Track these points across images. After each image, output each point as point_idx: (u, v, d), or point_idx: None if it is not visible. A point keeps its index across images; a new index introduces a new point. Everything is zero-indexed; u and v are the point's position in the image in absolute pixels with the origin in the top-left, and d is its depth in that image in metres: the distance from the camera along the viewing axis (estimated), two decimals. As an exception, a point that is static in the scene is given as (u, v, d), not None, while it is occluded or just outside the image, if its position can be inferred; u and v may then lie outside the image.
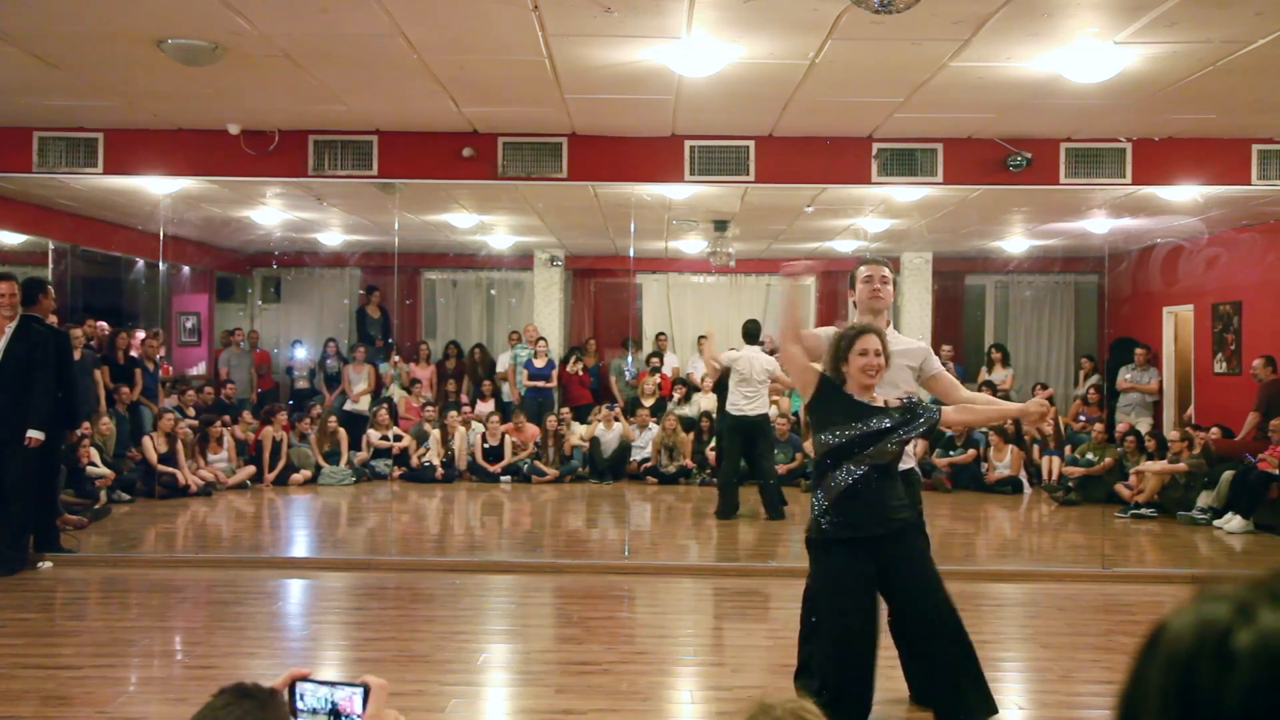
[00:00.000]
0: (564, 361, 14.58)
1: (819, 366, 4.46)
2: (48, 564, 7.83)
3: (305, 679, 1.49)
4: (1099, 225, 11.97)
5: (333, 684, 1.48)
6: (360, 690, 1.44)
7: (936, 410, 4.48)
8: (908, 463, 4.90)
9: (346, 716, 1.44)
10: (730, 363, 10.11)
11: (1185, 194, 9.56)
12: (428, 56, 6.46)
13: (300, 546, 9.55)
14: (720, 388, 10.78)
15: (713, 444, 12.71)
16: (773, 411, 10.96)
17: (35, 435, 7.58)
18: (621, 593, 7.38)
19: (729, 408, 10.12)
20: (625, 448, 12.87)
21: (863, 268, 4.99)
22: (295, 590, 7.53)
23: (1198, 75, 6.63)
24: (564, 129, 8.38)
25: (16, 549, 7.66)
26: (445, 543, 9.70)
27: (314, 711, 1.47)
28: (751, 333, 10.52)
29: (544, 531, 10.19)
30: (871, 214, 11.65)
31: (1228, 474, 9.95)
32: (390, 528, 10.05)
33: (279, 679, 1.50)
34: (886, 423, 4.24)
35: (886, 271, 4.97)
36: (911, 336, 15.55)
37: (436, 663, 5.60)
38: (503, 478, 12.70)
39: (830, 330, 4.67)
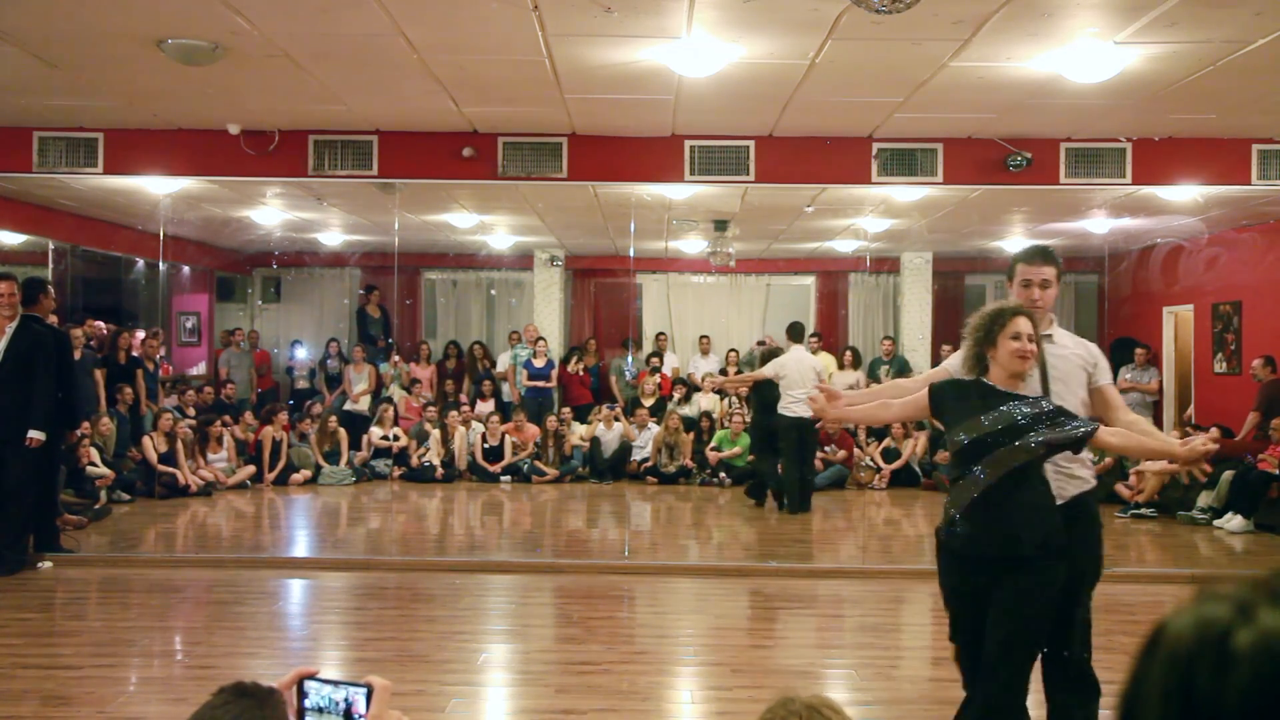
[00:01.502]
0: (564, 361, 14.59)
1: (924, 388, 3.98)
2: (48, 564, 7.83)
3: (312, 677, 1.50)
4: (1099, 225, 11.97)
5: (338, 683, 1.48)
6: (364, 690, 1.45)
7: (1095, 424, 3.74)
8: (1076, 488, 4.09)
9: (351, 716, 1.45)
10: (778, 371, 10.45)
11: (1185, 194, 9.56)
12: (428, 56, 6.46)
13: (300, 546, 9.55)
14: (761, 391, 10.98)
15: (712, 445, 12.73)
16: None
17: (36, 435, 7.57)
18: (622, 593, 7.38)
19: (783, 411, 10.36)
20: (626, 448, 12.88)
21: (1019, 266, 4.25)
22: (295, 590, 7.53)
23: (1198, 75, 6.63)
24: (564, 129, 8.39)
25: (16, 549, 7.66)
26: (445, 543, 9.71)
27: (319, 710, 1.48)
28: (797, 333, 10.86)
29: (544, 531, 10.19)
30: (871, 214, 11.65)
31: (1228, 474, 9.96)
32: (390, 528, 10.06)
33: (286, 676, 1.51)
34: (1024, 410, 3.63)
35: (1048, 273, 4.19)
36: (913, 336, 15.61)
37: (436, 663, 5.60)
38: (503, 478, 12.71)
39: (954, 363, 4.12)
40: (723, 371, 14.14)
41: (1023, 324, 3.69)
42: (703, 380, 13.79)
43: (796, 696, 1.87)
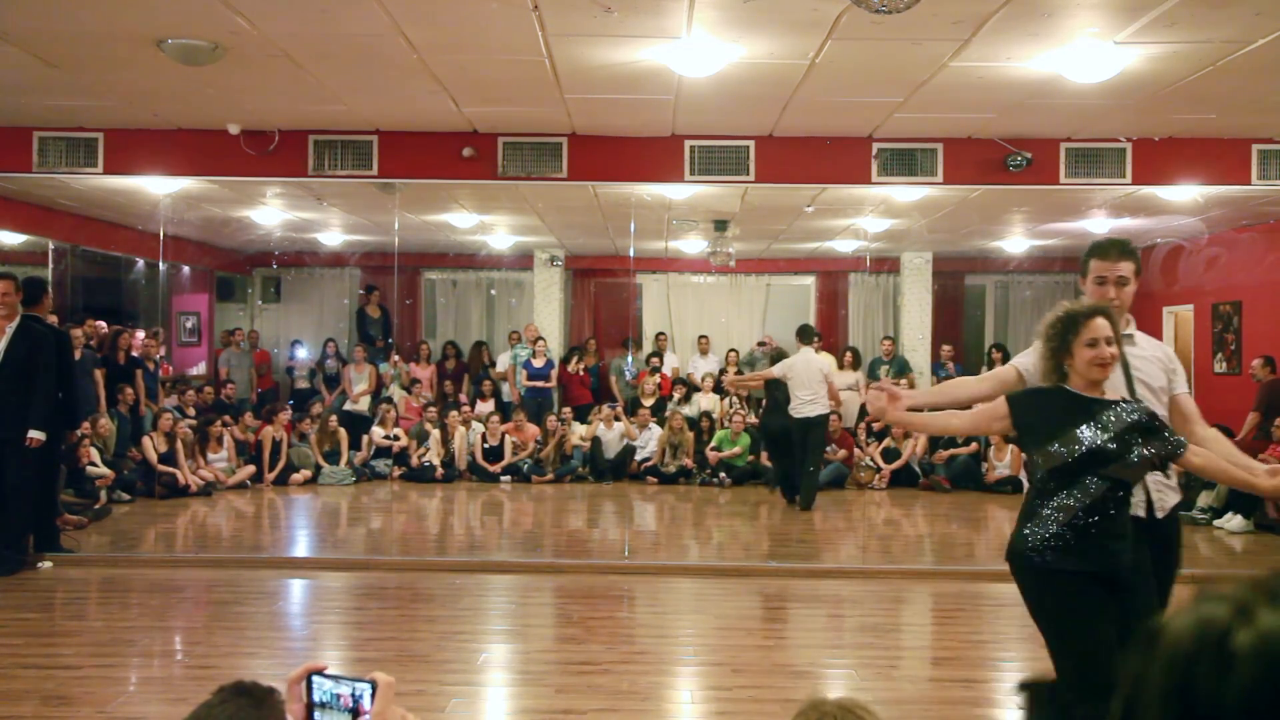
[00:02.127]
0: (564, 361, 14.59)
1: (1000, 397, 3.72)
2: (48, 564, 7.83)
3: (320, 673, 1.52)
4: (1099, 225, 11.98)
5: (344, 679, 1.50)
6: (369, 686, 1.47)
7: (1184, 443, 3.49)
8: (1174, 498, 3.92)
9: (356, 712, 1.46)
10: (785, 371, 10.71)
11: (1185, 194, 9.57)
12: (428, 56, 6.46)
13: (300, 546, 9.56)
14: (773, 393, 11.19)
15: (712, 446, 12.73)
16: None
17: (36, 435, 7.57)
18: (622, 593, 7.39)
19: (792, 411, 10.58)
20: (629, 450, 12.89)
21: (1093, 262, 3.92)
22: (295, 590, 7.54)
23: (1197, 75, 6.63)
24: (564, 129, 8.39)
25: (16, 549, 7.67)
26: (445, 543, 9.71)
27: (325, 705, 1.50)
28: (807, 335, 11.05)
29: (544, 531, 10.19)
30: (871, 214, 11.66)
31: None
32: (390, 528, 10.06)
33: (295, 671, 1.53)
34: (1122, 417, 3.41)
35: (1125, 269, 3.88)
36: (913, 336, 15.60)
37: (436, 662, 5.60)
38: (503, 478, 12.72)
39: (1027, 362, 3.83)
40: (722, 371, 14.16)
41: (1100, 326, 3.43)
42: (715, 378, 13.83)
43: (826, 699, 1.88)
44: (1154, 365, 3.88)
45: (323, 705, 1.50)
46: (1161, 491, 3.81)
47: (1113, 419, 3.41)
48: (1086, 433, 3.39)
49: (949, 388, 4.38)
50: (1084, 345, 3.42)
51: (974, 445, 12.37)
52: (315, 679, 1.51)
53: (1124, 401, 3.51)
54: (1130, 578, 3.45)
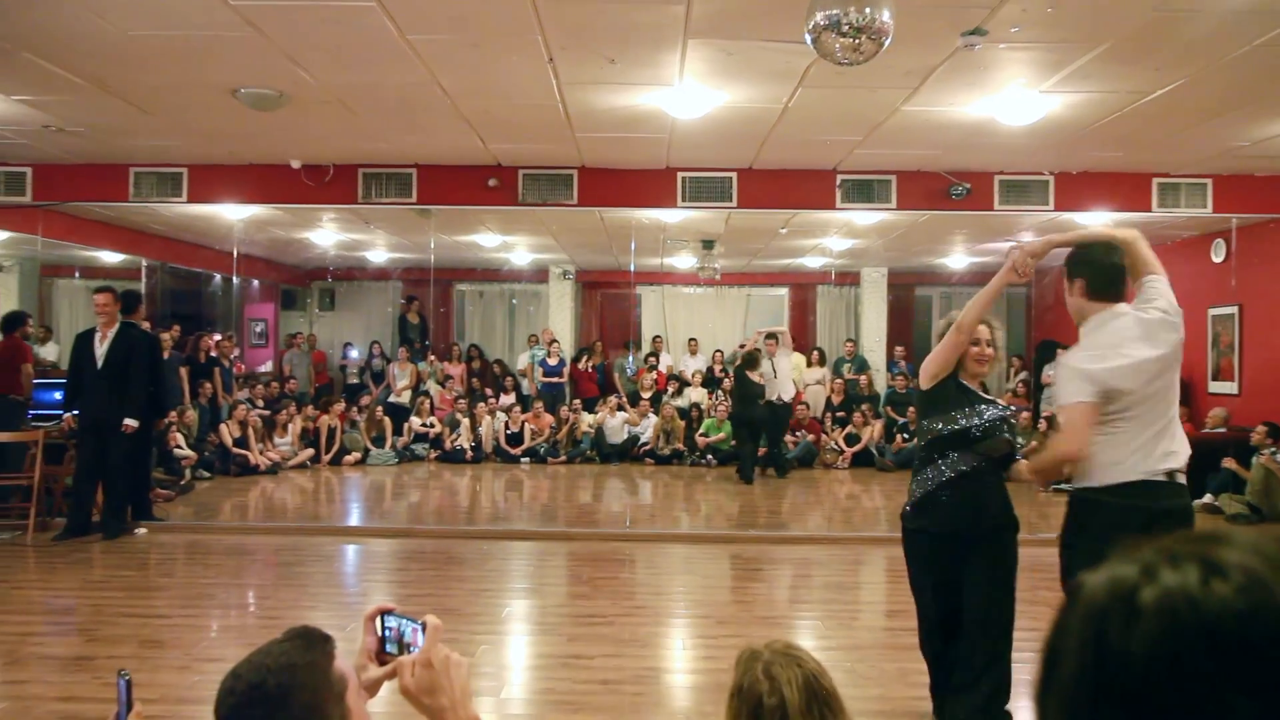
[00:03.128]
0: (575, 360, 14.56)
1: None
2: (143, 530, 7.85)
3: (389, 612, 1.53)
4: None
5: (405, 619, 1.52)
6: (420, 626, 1.49)
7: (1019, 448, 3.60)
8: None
9: (409, 645, 1.49)
10: (770, 367, 11.44)
11: (1097, 219, 9.55)
12: (459, 102, 6.47)
13: (352, 517, 9.55)
14: (738, 385, 11.52)
15: (700, 432, 12.72)
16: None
17: (131, 423, 7.62)
18: (624, 557, 7.38)
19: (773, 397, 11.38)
20: (633, 438, 12.89)
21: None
22: (348, 554, 7.54)
23: (1108, 119, 6.64)
24: (574, 162, 8.39)
25: (118, 518, 7.71)
26: (474, 514, 9.70)
27: (387, 638, 1.52)
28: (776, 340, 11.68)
29: (558, 505, 10.19)
30: (836, 235, 11.66)
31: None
32: (427, 502, 10.06)
33: (370, 609, 1.54)
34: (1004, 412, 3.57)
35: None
36: (871, 339, 15.68)
37: (467, 615, 5.61)
38: (522, 459, 12.70)
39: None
40: (709, 369, 14.13)
41: (983, 331, 3.64)
42: (703, 374, 13.87)
43: (762, 648, 1.82)
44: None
45: (386, 638, 1.51)
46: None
47: (985, 410, 3.51)
48: (961, 418, 3.49)
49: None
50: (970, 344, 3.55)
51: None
52: (386, 616, 1.52)
53: (996, 401, 3.60)
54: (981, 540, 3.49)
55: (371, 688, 1.48)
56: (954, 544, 3.52)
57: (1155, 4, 4.61)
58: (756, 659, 1.80)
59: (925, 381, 3.66)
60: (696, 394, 13.60)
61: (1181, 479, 3.11)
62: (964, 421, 3.51)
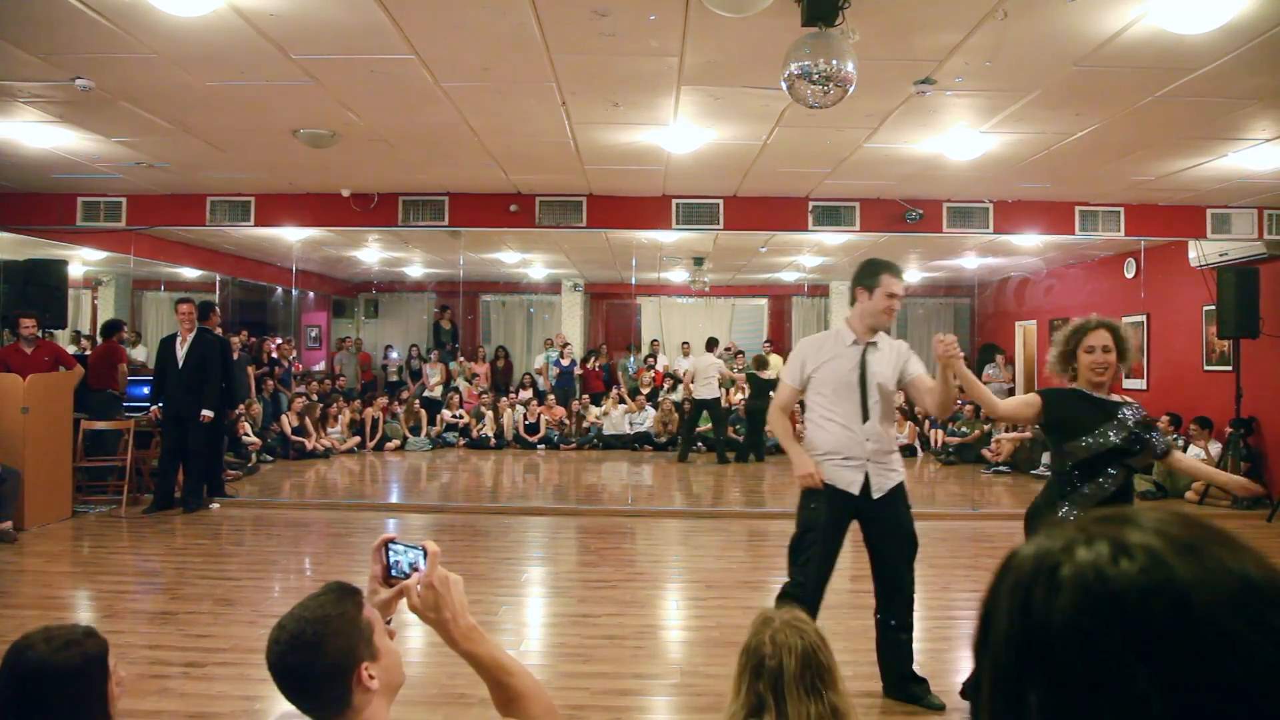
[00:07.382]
0: (584, 360, 14.54)
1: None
2: (216, 505, 7.85)
3: (393, 541, 1.49)
4: (970, 262, 11.97)
5: (408, 546, 1.47)
6: (421, 552, 1.44)
7: (1170, 443, 3.17)
8: (896, 480, 3.53)
9: (415, 568, 1.45)
10: (692, 367, 11.81)
11: (1030, 240, 9.57)
12: (485, 139, 6.47)
13: (393, 495, 9.54)
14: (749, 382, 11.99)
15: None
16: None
17: (207, 413, 7.64)
18: (626, 530, 7.38)
19: (695, 395, 11.60)
20: (643, 435, 12.86)
21: (886, 278, 3.71)
22: (389, 527, 7.52)
23: (1037, 156, 6.64)
24: (583, 190, 8.38)
25: (196, 495, 7.74)
26: (497, 493, 9.70)
27: (393, 564, 1.47)
28: (711, 344, 12.00)
29: (569, 485, 10.18)
30: (808, 253, 11.64)
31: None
32: (457, 482, 10.04)
33: (375, 541, 1.50)
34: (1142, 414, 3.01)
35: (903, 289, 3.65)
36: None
37: (491, 580, 5.61)
38: (539, 446, 12.68)
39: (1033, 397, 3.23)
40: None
41: (1101, 336, 3.01)
42: (684, 375, 13.80)
43: (774, 615, 1.82)
44: (886, 365, 3.58)
45: (392, 564, 1.47)
46: (882, 475, 3.50)
47: (1128, 418, 2.98)
48: (1111, 432, 2.95)
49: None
50: (1084, 351, 3.03)
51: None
52: (389, 546, 1.49)
53: (1131, 402, 3.05)
54: None
55: (383, 607, 1.46)
56: None
57: (1075, 60, 4.62)
58: (768, 625, 1.81)
59: (1014, 421, 3.26)
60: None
61: None
62: (1114, 436, 2.95)
